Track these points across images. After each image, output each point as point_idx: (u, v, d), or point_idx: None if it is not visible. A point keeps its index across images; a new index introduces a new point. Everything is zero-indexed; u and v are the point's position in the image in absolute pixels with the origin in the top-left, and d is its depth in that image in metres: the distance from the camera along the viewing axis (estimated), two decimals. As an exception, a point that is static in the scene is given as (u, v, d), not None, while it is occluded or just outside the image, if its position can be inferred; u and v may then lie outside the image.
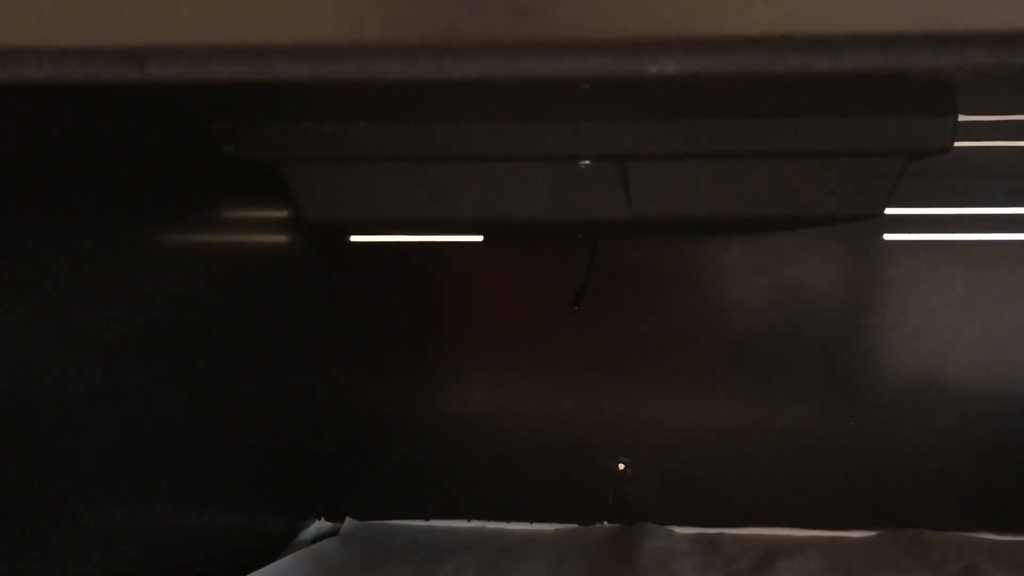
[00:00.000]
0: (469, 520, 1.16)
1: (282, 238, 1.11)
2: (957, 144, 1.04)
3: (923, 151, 0.67)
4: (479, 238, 1.13)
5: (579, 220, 0.74)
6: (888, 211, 1.07)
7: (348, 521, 1.15)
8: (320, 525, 1.17)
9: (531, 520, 1.15)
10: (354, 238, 1.15)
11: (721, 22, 0.26)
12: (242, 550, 0.98)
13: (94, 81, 0.29)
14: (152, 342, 0.80)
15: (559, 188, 0.72)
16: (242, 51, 0.27)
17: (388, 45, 0.27)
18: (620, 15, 0.26)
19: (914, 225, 1.09)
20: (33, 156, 0.64)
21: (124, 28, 0.27)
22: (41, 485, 0.65)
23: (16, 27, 0.27)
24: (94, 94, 0.68)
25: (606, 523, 1.15)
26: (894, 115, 0.66)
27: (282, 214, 1.08)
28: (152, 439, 0.80)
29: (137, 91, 0.67)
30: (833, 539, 1.09)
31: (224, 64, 0.28)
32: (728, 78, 0.27)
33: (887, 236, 1.09)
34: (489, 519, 1.16)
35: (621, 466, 1.15)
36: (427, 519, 1.17)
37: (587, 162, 0.71)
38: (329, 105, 0.68)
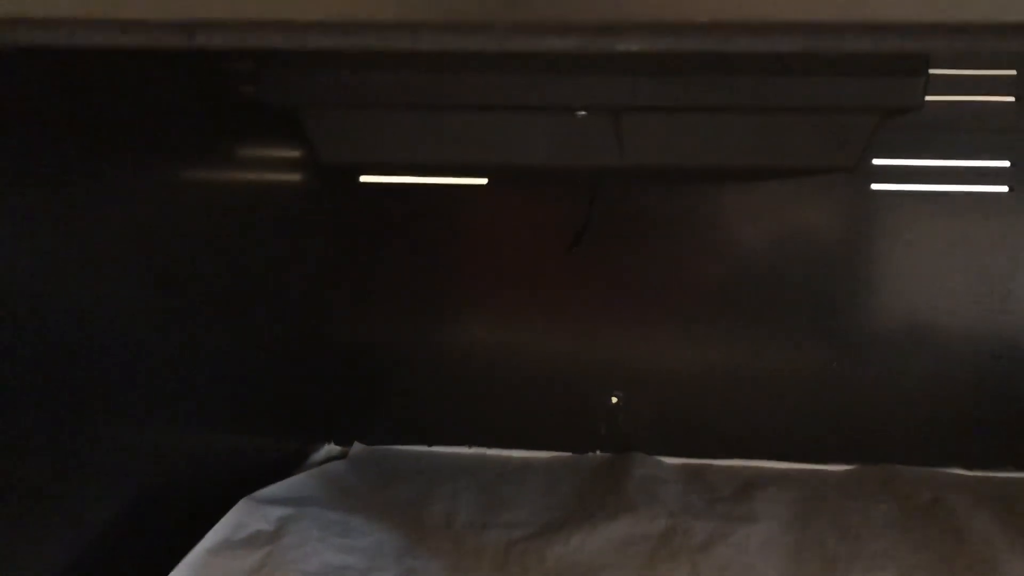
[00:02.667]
0: (470, 447, 1.23)
1: (294, 176, 1.16)
2: (942, 98, 1.09)
3: (895, 109, 0.72)
4: (484, 180, 1.18)
5: (576, 167, 0.79)
6: (876, 162, 1.13)
7: (356, 445, 1.22)
8: (330, 449, 1.24)
9: (528, 448, 1.22)
10: (364, 178, 1.20)
11: (675, 9, 0.31)
12: (258, 468, 1.05)
13: (151, 48, 0.34)
14: (172, 272, 0.86)
15: (557, 137, 0.77)
16: (277, 25, 0.33)
17: (400, 22, 0.32)
18: (591, 2, 0.31)
19: (901, 176, 1.13)
20: (58, 92, 0.69)
21: (178, 4, 0.33)
22: (78, 408, 0.72)
23: (87, 1, 0.33)
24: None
25: (598, 452, 1.21)
26: (867, 74, 0.70)
27: (294, 153, 1.13)
28: (173, 364, 0.87)
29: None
30: (811, 472, 1.16)
31: (261, 35, 0.33)
32: (683, 55, 0.33)
33: (875, 186, 1.14)
34: (488, 447, 1.23)
35: (614, 400, 1.21)
36: (430, 445, 1.23)
37: (583, 113, 0.76)
38: (348, 55, 0.73)
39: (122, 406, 0.78)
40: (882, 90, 0.70)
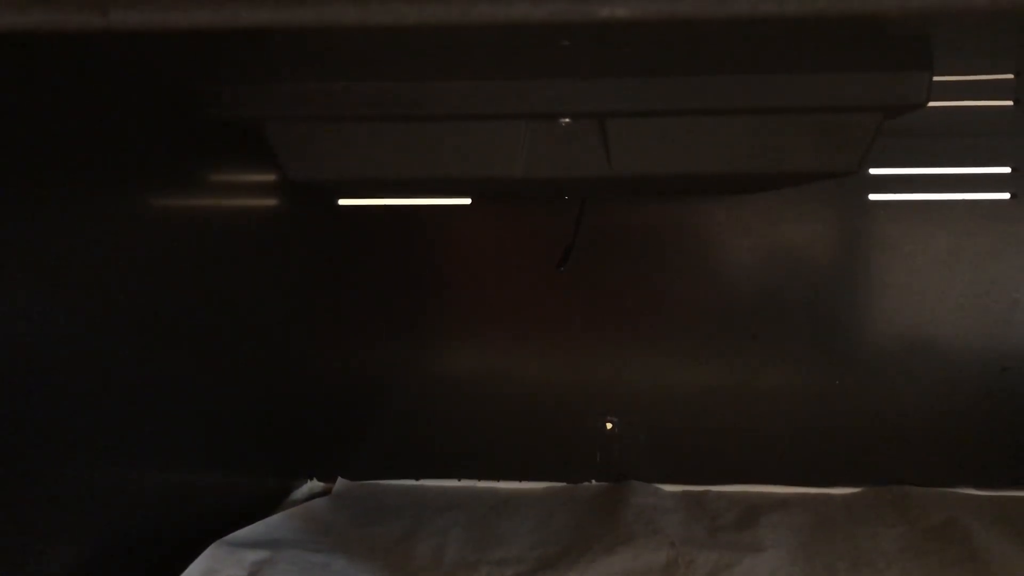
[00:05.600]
0: (459, 480, 1.18)
1: (271, 202, 1.12)
2: (940, 104, 1.05)
3: (899, 107, 0.68)
4: (467, 201, 1.14)
5: (560, 178, 0.75)
6: (873, 171, 1.09)
7: (340, 481, 1.17)
8: (312, 485, 1.19)
9: (520, 479, 1.17)
10: (342, 202, 1.15)
11: (667, -35, 0.27)
12: (235, 509, 0.99)
13: (60, 29, 0.29)
14: (142, 305, 0.81)
15: (539, 147, 0.73)
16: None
17: (343, -10, 0.28)
18: (568, -41, 0.27)
19: (899, 185, 1.09)
20: (10, 120, 0.64)
21: (86, -25, 0.28)
22: (33, 446, 0.67)
23: (-20, -25, 0.28)
24: (74, 58, 0.69)
25: (594, 481, 1.16)
26: (869, 70, 0.66)
27: (270, 178, 1.09)
28: (143, 401, 0.82)
29: (118, 53, 0.68)
30: (817, 495, 1.11)
31: (184, 11, 0.29)
32: (677, 22, 0.28)
33: (872, 196, 1.10)
34: (479, 478, 1.18)
35: (608, 426, 1.17)
36: (418, 479, 1.18)
37: (567, 120, 0.72)
38: (311, 64, 0.69)
39: (81, 443, 0.73)
40: (885, 86, 0.66)
